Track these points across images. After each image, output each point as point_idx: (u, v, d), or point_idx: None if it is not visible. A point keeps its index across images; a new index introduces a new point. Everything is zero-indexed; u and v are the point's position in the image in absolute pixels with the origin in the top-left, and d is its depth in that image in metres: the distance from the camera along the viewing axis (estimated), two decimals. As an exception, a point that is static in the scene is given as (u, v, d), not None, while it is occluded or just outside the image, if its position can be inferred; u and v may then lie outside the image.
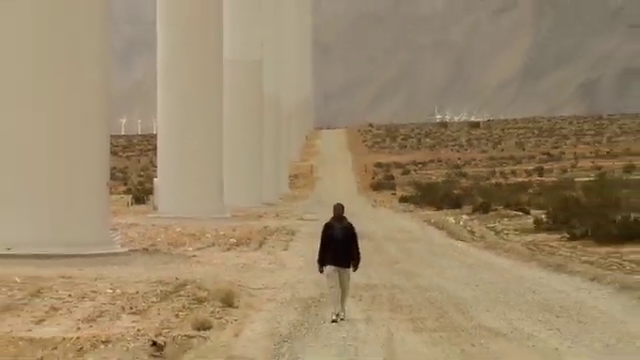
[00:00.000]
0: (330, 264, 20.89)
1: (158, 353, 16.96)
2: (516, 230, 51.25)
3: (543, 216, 51.73)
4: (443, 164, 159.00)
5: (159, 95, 67.00)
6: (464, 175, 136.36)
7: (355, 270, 21.31)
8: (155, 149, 73.55)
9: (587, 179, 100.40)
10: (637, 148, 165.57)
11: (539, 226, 49.42)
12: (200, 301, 23.16)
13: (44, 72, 34.41)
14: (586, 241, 41.26)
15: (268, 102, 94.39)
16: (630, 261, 33.40)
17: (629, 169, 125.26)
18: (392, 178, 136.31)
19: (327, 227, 21.12)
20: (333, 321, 20.64)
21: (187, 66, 65.04)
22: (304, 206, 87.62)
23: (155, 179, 68.33)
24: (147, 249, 38.83)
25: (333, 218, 21.15)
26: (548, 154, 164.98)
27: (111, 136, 40.28)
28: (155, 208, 65.39)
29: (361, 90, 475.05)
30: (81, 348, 17.20)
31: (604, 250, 37.77)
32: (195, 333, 19.03)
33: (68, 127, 34.78)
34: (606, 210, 46.81)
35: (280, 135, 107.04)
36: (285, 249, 41.21)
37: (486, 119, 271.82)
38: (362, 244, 21.88)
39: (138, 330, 19.16)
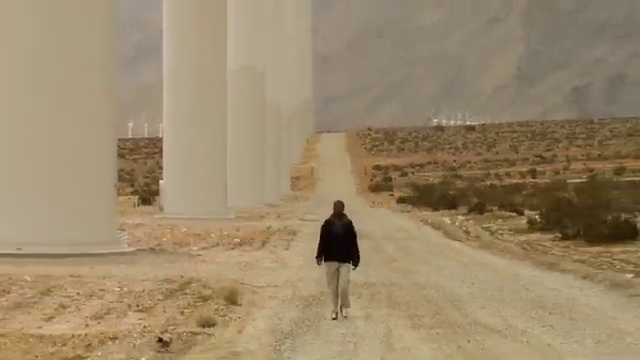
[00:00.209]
0: (330, 259, 20.82)
1: (164, 349, 16.92)
2: (510, 230, 51.24)
3: (536, 217, 51.69)
4: (439, 166, 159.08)
5: (165, 100, 67.10)
6: (460, 177, 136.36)
7: (355, 268, 21.23)
8: (161, 152, 73.56)
9: (579, 181, 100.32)
10: (627, 151, 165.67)
11: (532, 226, 49.40)
12: (205, 299, 23.13)
13: (56, 78, 34.42)
14: (578, 241, 41.25)
15: (270, 108, 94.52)
16: (620, 260, 33.38)
17: (619, 171, 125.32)
18: (390, 180, 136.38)
19: (327, 223, 21.03)
20: (334, 318, 20.57)
21: (192, 73, 65.15)
22: (305, 207, 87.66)
23: (161, 181, 68.35)
24: (153, 249, 38.83)
25: (333, 215, 21.06)
26: (541, 157, 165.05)
27: (118, 139, 40.28)
28: (161, 209, 65.39)
29: (360, 96, 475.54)
30: (89, 344, 17.17)
31: (595, 249, 37.76)
32: (200, 330, 19.00)
33: (77, 131, 34.79)
34: (597, 211, 46.73)
35: (281, 139, 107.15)
36: (287, 248, 41.20)
37: (481, 123, 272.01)
38: (361, 243, 21.83)
39: (145, 327, 19.12)
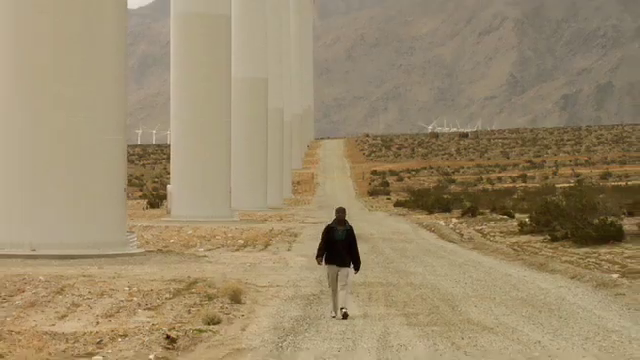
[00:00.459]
0: (331, 263, 20.84)
1: (171, 346, 16.94)
2: (502, 232, 51.22)
3: (526, 219, 51.65)
4: (434, 171, 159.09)
5: (172, 108, 67.21)
6: (453, 181, 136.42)
7: (357, 272, 21.25)
8: (168, 158, 73.65)
9: (567, 185, 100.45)
10: (612, 157, 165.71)
11: (523, 228, 49.37)
12: (210, 298, 23.14)
13: (71, 88, 34.49)
14: (566, 242, 41.25)
15: (273, 115, 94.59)
16: (606, 261, 33.38)
17: (605, 176, 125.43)
18: (387, 184, 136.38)
19: (329, 229, 20.98)
20: (334, 316, 20.61)
21: (198, 83, 65.24)
22: (306, 210, 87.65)
23: (169, 185, 68.40)
24: (161, 250, 38.83)
25: (335, 220, 21.04)
26: (531, 162, 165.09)
27: (128, 146, 40.29)
28: (168, 212, 65.44)
29: (359, 104, 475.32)
30: (100, 341, 17.19)
31: (583, 251, 37.76)
32: (205, 327, 19.02)
33: (89, 137, 34.84)
34: (584, 214, 46.71)
35: (283, 145, 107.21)
36: (289, 250, 41.19)
37: (474, 130, 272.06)
38: (359, 245, 21.84)
39: (153, 325, 19.14)
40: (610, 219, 42.94)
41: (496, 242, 45.49)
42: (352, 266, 20.99)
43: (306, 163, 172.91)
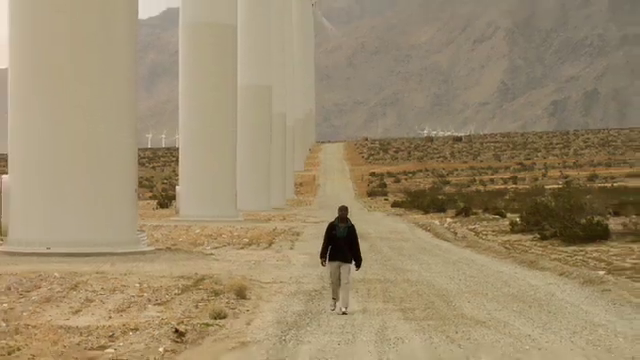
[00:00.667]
0: (333, 260, 20.81)
1: (180, 339, 16.94)
2: (494, 231, 51.23)
3: (517, 219, 51.68)
4: (430, 173, 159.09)
5: (181, 114, 67.24)
6: (448, 183, 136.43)
7: (358, 269, 21.23)
8: (177, 160, 73.70)
9: (556, 187, 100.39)
10: (599, 160, 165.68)
11: (514, 228, 49.39)
12: (217, 293, 23.14)
13: (85, 95, 34.52)
14: (555, 241, 41.26)
15: (276, 120, 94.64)
16: (593, 258, 33.39)
17: (592, 178, 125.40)
18: (385, 186, 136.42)
19: (332, 227, 20.92)
20: (333, 309, 20.58)
21: (206, 90, 65.26)
22: (308, 210, 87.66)
23: (177, 187, 68.42)
24: (170, 248, 38.84)
25: (337, 218, 21.00)
26: (521, 165, 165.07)
27: (139, 149, 40.30)
28: (177, 212, 65.47)
29: (358, 109, 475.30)
30: (112, 335, 17.20)
31: (571, 249, 37.77)
32: (212, 321, 19.01)
33: (101, 141, 34.84)
34: (572, 214, 46.71)
35: (286, 148, 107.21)
36: (291, 248, 41.18)
37: (467, 134, 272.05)
38: (359, 243, 21.82)
39: (162, 319, 19.14)
40: (597, 219, 42.95)
41: (488, 241, 45.49)
42: (354, 262, 20.98)
43: (308, 165, 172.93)
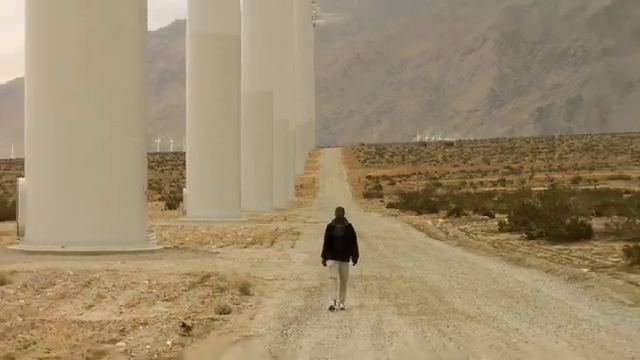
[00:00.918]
0: (332, 259, 20.77)
1: (187, 333, 16.93)
2: (483, 231, 51.18)
3: (505, 219, 51.63)
4: (423, 176, 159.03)
5: (188, 119, 67.25)
6: (440, 185, 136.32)
7: (354, 264, 21.21)
8: (184, 164, 73.65)
9: (542, 189, 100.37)
10: (582, 163, 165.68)
11: (502, 228, 49.36)
12: (222, 290, 23.12)
13: (97, 102, 34.52)
14: (541, 240, 41.23)
15: (278, 126, 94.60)
16: (577, 257, 33.36)
17: (576, 180, 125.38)
18: (380, 188, 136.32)
19: (330, 227, 20.92)
20: (331, 307, 20.45)
21: (212, 97, 65.27)
22: (308, 211, 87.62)
23: (184, 189, 68.40)
24: (178, 247, 38.81)
25: (335, 219, 20.99)
26: (509, 168, 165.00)
27: (148, 153, 40.27)
28: (184, 213, 65.43)
29: (355, 116, 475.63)
30: (123, 329, 17.18)
31: (556, 248, 37.74)
32: (218, 316, 19.00)
33: (113, 145, 34.84)
34: (557, 214, 46.72)
35: (288, 153, 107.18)
36: (292, 247, 41.16)
37: (458, 139, 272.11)
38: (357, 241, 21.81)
39: (170, 314, 19.12)
40: (580, 219, 42.95)
41: (478, 240, 45.46)
42: (351, 261, 20.94)
43: (308, 169, 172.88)
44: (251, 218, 66.95)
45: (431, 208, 77.82)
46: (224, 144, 65.48)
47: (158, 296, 21.94)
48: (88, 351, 14.87)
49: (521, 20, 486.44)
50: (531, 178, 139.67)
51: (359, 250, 21.46)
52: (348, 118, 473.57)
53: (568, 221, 42.32)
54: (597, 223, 44.30)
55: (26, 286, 23.00)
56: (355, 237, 20.96)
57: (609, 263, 30.56)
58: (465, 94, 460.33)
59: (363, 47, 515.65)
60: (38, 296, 21.45)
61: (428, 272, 29.52)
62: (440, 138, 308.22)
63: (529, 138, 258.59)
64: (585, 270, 28.43)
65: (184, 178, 79.10)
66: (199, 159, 65.43)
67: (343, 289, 20.74)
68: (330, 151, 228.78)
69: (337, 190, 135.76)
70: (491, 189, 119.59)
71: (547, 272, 29.16)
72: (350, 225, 20.98)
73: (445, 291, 24.24)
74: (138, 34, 35.95)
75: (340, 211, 20.97)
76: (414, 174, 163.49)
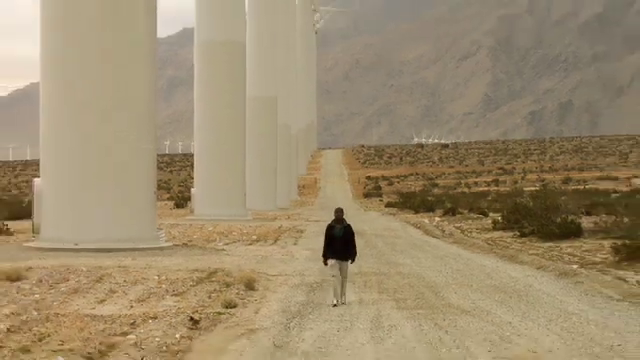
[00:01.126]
0: (332, 257, 20.75)
1: (194, 326, 16.94)
2: (477, 229, 51.20)
3: (499, 218, 51.66)
4: (420, 177, 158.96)
5: (195, 123, 67.28)
6: (436, 185, 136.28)
7: (352, 263, 21.19)
8: (192, 165, 73.67)
9: (533, 189, 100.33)
10: (572, 164, 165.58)
11: (496, 226, 49.37)
12: (228, 285, 23.13)
13: (110, 107, 34.57)
14: (533, 238, 41.24)
15: (281, 129, 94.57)
16: (567, 254, 33.37)
17: (566, 181, 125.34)
18: (380, 188, 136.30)
19: (329, 227, 20.90)
20: (334, 305, 20.35)
21: (218, 102, 65.31)
22: (310, 210, 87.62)
23: (192, 189, 68.43)
24: (186, 244, 38.83)
25: (334, 220, 20.98)
26: (502, 169, 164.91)
27: (158, 155, 40.29)
28: (192, 212, 65.46)
29: (355, 119, 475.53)
30: (134, 322, 17.19)
31: (547, 245, 37.75)
32: (224, 310, 19.01)
33: (124, 148, 34.86)
34: (549, 213, 46.73)
35: (291, 154, 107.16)
36: (295, 244, 41.18)
37: (454, 141, 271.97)
38: (356, 240, 21.80)
39: (179, 308, 19.13)
40: (570, 218, 42.96)
41: (473, 237, 45.47)
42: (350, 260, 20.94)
43: (310, 170, 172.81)
44: (256, 217, 66.96)
45: (428, 207, 77.81)
46: (230, 146, 65.52)
47: (167, 291, 21.96)
48: (100, 343, 14.89)
49: (514, 27, 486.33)
50: (523, 179, 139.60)
51: (358, 248, 21.46)
52: (348, 120, 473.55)
53: (559, 220, 42.32)
54: (586, 222, 44.30)
55: (41, 281, 23.03)
56: (353, 237, 20.91)
57: (598, 260, 30.56)
58: (461, 98, 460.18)
59: (362, 51, 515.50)
60: (52, 291, 21.47)
61: (425, 268, 29.53)
62: (437, 140, 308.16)
63: (522, 140, 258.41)
64: (575, 266, 28.44)
65: (192, 178, 79.14)
66: (206, 161, 65.48)
67: (343, 286, 20.74)
68: (331, 152, 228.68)
69: (338, 190, 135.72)
70: (485, 189, 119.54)
71: (539, 268, 29.16)
72: (349, 225, 20.96)
73: (441, 286, 24.25)
74: (149, 44, 36.01)
75: (339, 212, 20.96)
76: (412, 175, 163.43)
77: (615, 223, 42.37)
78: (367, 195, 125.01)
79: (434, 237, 47.97)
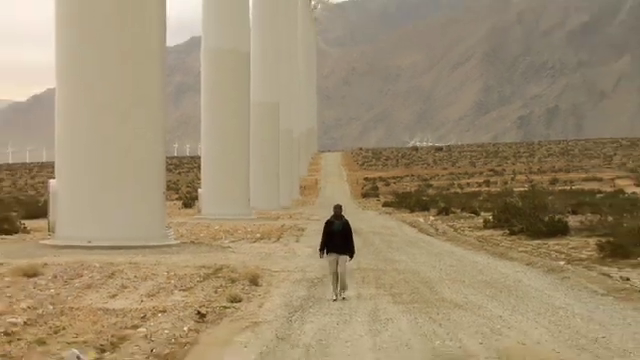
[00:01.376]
0: (330, 252, 20.72)
1: (201, 320, 16.94)
2: (470, 227, 51.21)
3: (490, 217, 51.67)
4: (415, 178, 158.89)
5: (203, 127, 67.32)
6: (431, 186, 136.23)
7: (351, 259, 21.15)
8: (199, 167, 73.67)
9: (522, 189, 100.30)
10: (559, 166, 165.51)
11: (487, 224, 49.38)
12: (233, 281, 23.13)
13: (121, 111, 34.53)
14: (522, 235, 41.25)
15: (283, 132, 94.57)
16: (555, 251, 33.38)
17: (554, 182, 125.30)
18: (377, 188, 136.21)
19: (328, 223, 20.90)
20: (334, 300, 20.38)
21: (224, 107, 65.33)
22: (311, 209, 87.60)
23: (199, 189, 68.42)
24: (193, 242, 38.81)
25: (333, 216, 20.95)
26: (493, 170, 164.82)
27: (167, 157, 40.30)
28: (199, 211, 65.45)
29: (353, 123, 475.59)
30: (144, 316, 17.19)
31: (535, 242, 37.75)
32: (229, 305, 19.01)
33: (135, 150, 34.84)
34: (537, 212, 46.73)
35: (292, 156, 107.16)
36: (297, 241, 41.16)
37: (447, 144, 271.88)
38: (354, 238, 21.78)
39: (187, 303, 19.14)
40: (558, 217, 42.99)
41: (465, 235, 45.47)
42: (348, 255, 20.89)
43: (311, 171, 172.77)
44: (260, 216, 66.95)
45: (422, 207, 77.82)
46: (236, 152, 65.53)
47: (175, 286, 21.96)
48: (112, 336, 14.90)
49: (504, 36, 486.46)
50: (513, 179, 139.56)
51: (356, 246, 21.42)
52: (347, 125, 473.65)
53: (546, 218, 42.33)
54: (573, 220, 44.32)
55: (56, 277, 23.04)
56: (351, 232, 20.89)
57: (584, 256, 30.57)
58: (454, 104, 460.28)
59: (358, 58, 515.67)
60: (67, 286, 21.47)
61: (420, 264, 29.53)
62: (430, 143, 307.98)
63: (511, 143, 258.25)
64: (562, 263, 28.45)
65: (199, 180, 79.13)
66: (213, 165, 65.47)
67: (343, 280, 20.71)
68: (331, 155, 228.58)
69: (337, 190, 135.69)
70: (477, 189, 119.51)
71: (528, 264, 29.16)
72: (347, 221, 20.96)
73: (435, 282, 24.24)
74: (160, 52, 36.00)
75: (338, 208, 20.98)
76: (407, 176, 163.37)
77: (600, 222, 42.40)
78: (365, 195, 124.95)
79: (428, 235, 47.96)
